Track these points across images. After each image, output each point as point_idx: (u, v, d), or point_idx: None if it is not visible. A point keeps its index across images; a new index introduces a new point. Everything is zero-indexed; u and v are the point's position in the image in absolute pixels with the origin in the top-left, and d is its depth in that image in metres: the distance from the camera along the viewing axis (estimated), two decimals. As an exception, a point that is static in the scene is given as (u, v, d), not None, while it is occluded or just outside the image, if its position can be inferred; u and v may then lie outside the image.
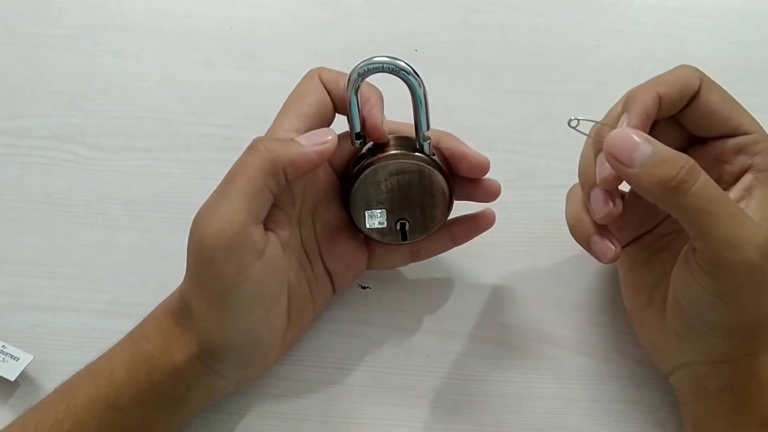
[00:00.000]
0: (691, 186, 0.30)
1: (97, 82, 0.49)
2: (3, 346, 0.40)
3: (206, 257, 0.32)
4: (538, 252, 0.44)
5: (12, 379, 0.38)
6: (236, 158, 0.46)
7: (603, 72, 0.51)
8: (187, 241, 0.34)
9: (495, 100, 0.50)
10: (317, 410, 0.40)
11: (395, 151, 0.37)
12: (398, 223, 0.38)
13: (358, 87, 0.35)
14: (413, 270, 0.43)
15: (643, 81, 0.40)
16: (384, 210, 0.38)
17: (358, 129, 0.36)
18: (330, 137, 0.35)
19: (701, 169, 0.31)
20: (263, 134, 0.48)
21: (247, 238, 0.32)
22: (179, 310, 0.35)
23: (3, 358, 0.39)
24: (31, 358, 0.39)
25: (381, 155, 0.36)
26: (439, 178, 0.37)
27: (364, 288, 0.43)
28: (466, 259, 0.43)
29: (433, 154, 0.37)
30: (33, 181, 0.46)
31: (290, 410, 0.40)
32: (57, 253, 0.44)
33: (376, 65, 0.35)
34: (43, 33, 0.51)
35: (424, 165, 0.36)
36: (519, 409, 0.39)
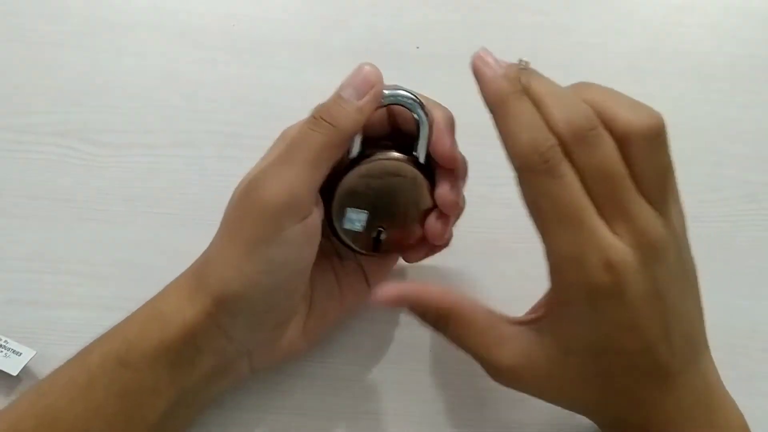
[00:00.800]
0: None
1: (100, 79, 0.49)
2: (5, 341, 0.40)
3: (248, 211, 0.33)
4: (540, 248, 0.44)
5: (14, 374, 0.38)
6: (239, 155, 0.47)
7: (605, 69, 0.51)
8: (226, 207, 0.35)
9: (497, 97, 0.50)
10: (322, 406, 0.40)
11: (395, 151, 0.35)
12: (374, 231, 0.36)
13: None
14: (415, 266, 0.43)
15: (645, 78, 0.40)
16: (366, 212, 0.35)
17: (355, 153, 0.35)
18: (375, 80, 0.34)
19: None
20: (264, 132, 0.48)
21: (300, 204, 0.32)
22: (199, 268, 0.35)
23: (5, 354, 0.39)
24: (33, 353, 0.39)
25: (379, 152, 0.35)
26: (428, 193, 0.35)
27: (366, 284, 0.43)
28: (469, 255, 0.43)
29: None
30: (35, 177, 0.46)
31: (295, 405, 0.40)
32: (59, 249, 0.44)
33: (394, 97, 0.33)
34: (46, 30, 0.51)
35: (419, 173, 0.35)
36: (524, 405, 0.39)
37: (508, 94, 0.31)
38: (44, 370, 0.40)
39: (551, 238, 0.30)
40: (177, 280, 0.36)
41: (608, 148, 0.29)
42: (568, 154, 0.30)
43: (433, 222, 0.36)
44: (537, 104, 0.30)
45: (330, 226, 0.36)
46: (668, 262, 0.30)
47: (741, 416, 0.33)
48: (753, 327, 0.44)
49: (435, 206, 0.36)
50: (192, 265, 0.36)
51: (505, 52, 0.52)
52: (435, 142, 0.35)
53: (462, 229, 0.38)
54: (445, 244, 0.38)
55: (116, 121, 0.48)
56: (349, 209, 0.35)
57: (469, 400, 0.40)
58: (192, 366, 0.34)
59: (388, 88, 0.34)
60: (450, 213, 0.36)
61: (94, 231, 0.44)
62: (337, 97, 0.34)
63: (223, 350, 0.35)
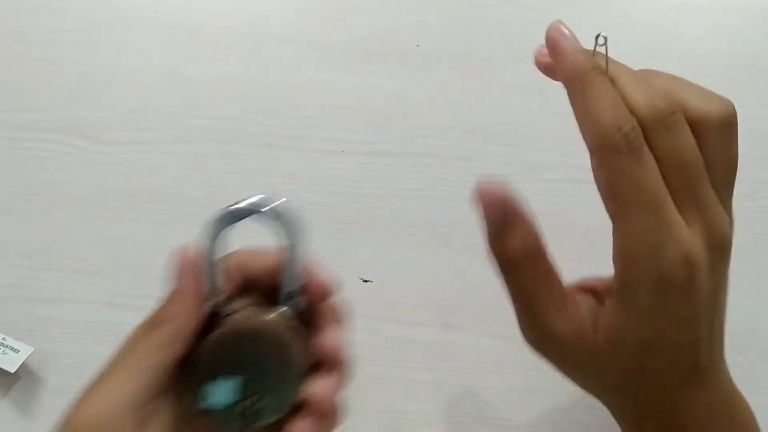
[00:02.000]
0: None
1: (100, 76, 0.49)
2: (3, 338, 0.40)
3: None
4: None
5: (12, 371, 0.38)
6: (239, 152, 0.47)
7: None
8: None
9: (497, 94, 0.50)
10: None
11: (259, 306, 0.30)
12: (241, 403, 0.30)
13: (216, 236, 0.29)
14: (415, 264, 0.43)
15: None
16: (238, 380, 0.29)
17: (211, 283, 0.30)
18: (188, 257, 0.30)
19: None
20: (266, 128, 0.49)
21: (114, 424, 0.28)
22: None
23: (3, 350, 0.39)
24: (32, 350, 0.39)
25: (236, 311, 0.30)
26: (304, 350, 0.30)
27: (366, 281, 0.43)
28: (468, 252, 0.43)
29: (299, 313, 0.30)
30: (36, 174, 0.46)
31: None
32: (58, 246, 0.44)
33: (234, 213, 0.29)
34: (46, 26, 0.50)
35: (286, 330, 0.30)
36: (523, 403, 0.39)
37: (588, 69, 0.29)
38: (42, 367, 0.40)
39: (628, 223, 0.28)
40: None
41: (687, 135, 0.29)
42: (648, 139, 0.28)
43: (315, 382, 0.30)
44: (615, 84, 0.29)
45: (198, 406, 0.30)
46: (727, 260, 0.30)
47: (753, 416, 0.33)
48: (754, 325, 0.44)
49: (315, 362, 0.31)
50: None
51: (504, 50, 0.53)
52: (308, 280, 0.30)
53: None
54: (333, 412, 0.31)
55: (116, 117, 0.48)
56: (217, 381, 0.30)
57: (469, 399, 0.40)
58: None
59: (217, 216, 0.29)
60: (335, 366, 0.31)
61: (93, 228, 0.44)
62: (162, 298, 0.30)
63: None
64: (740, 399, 0.33)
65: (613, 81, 0.29)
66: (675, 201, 0.29)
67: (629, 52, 0.52)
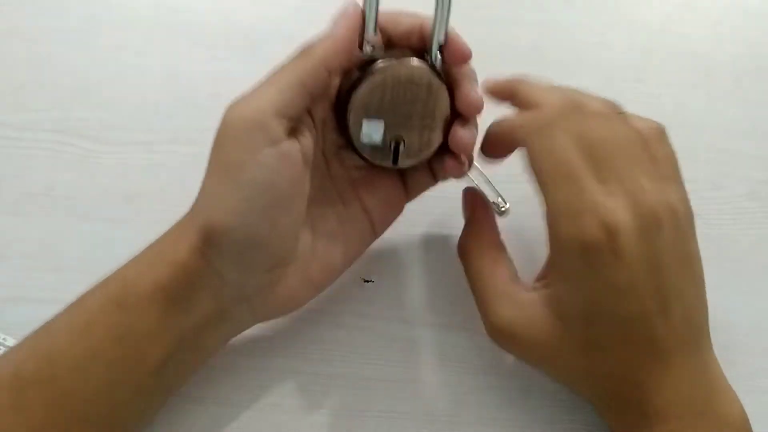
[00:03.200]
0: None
1: (100, 76, 0.49)
2: (3, 338, 0.40)
3: (222, 135, 0.33)
4: (544, 246, 0.44)
5: (14, 371, 0.38)
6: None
7: (607, 68, 0.51)
8: None
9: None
10: (321, 403, 0.40)
11: (410, 57, 0.33)
12: (392, 142, 0.34)
13: None
14: (416, 263, 0.43)
15: (646, 78, 0.40)
16: (382, 122, 0.34)
17: (371, 31, 0.33)
18: (351, 9, 0.34)
19: None
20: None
21: (265, 124, 0.32)
22: (193, 208, 0.34)
23: (4, 352, 0.39)
24: (33, 350, 0.39)
25: (393, 59, 0.33)
26: (446, 99, 0.34)
27: (367, 281, 0.43)
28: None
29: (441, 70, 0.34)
30: (35, 175, 0.46)
31: (294, 403, 0.40)
32: (59, 247, 0.44)
33: None
34: (46, 26, 0.50)
35: (435, 78, 0.34)
36: (524, 402, 0.39)
37: (512, 83, 0.37)
38: (44, 367, 0.40)
39: (547, 195, 0.32)
40: (177, 221, 0.35)
41: (597, 116, 0.34)
42: (564, 121, 0.33)
43: (458, 129, 0.35)
44: (529, 99, 0.37)
45: (349, 143, 0.35)
46: (666, 236, 0.31)
47: (742, 409, 0.33)
48: (754, 325, 0.44)
49: (454, 113, 0.35)
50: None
51: (507, 51, 0.53)
52: (450, 43, 0.35)
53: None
54: (471, 158, 0.37)
55: (116, 118, 0.48)
56: (364, 121, 0.34)
57: (470, 399, 0.40)
58: (188, 308, 0.33)
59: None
60: (473, 114, 0.36)
61: (93, 229, 0.44)
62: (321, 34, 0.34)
63: (219, 292, 0.33)
64: (726, 392, 0.33)
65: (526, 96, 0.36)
66: (598, 176, 0.31)
67: (631, 52, 0.52)
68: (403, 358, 0.41)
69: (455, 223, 0.40)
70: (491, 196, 0.42)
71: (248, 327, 0.37)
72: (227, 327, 0.35)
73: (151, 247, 0.35)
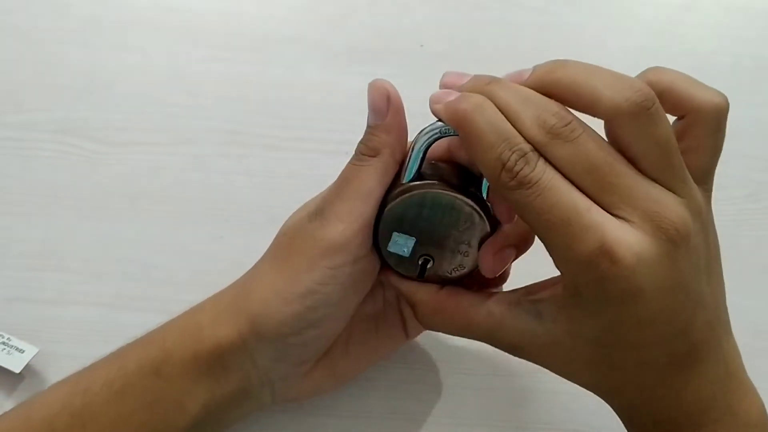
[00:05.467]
0: None
1: (102, 76, 0.49)
2: (8, 338, 0.40)
3: (301, 239, 0.33)
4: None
5: (17, 371, 0.38)
6: (241, 152, 0.47)
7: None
8: (278, 232, 0.34)
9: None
10: (323, 405, 0.40)
11: (453, 183, 0.32)
12: (421, 258, 0.34)
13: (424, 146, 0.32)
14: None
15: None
16: (413, 240, 0.33)
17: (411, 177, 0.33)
18: (387, 90, 0.32)
19: None
20: (266, 130, 0.49)
21: (355, 242, 0.32)
22: (242, 287, 0.34)
23: (8, 351, 0.39)
24: (36, 350, 0.39)
25: (436, 182, 0.32)
26: (487, 231, 0.33)
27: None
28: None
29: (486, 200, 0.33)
30: (38, 175, 0.46)
31: (296, 405, 0.40)
32: (62, 247, 0.44)
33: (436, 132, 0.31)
34: (48, 27, 0.50)
35: (478, 210, 0.32)
36: (526, 404, 0.40)
37: (464, 111, 0.28)
38: (47, 367, 0.40)
39: (548, 247, 0.28)
40: (219, 293, 0.35)
41: (586, 140, 0.27)
42: (546, 153, 0.27)
43: (489, 256, 0.33)
44: (501, 111, 0.28)
45: (375, 246, 0.34)
46: (693, 247, 0.27)
47: (761, 402, 0.32)
48: (755, 325, 0.44)
49: (490, 237, 0.33)
50: (235, 282, 0.35)
51: (508, 51, 0.53)
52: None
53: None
54: (505, 276, 0.36)
55: (118, 118, 0.48)
56: (394, 234, 0.33)
57: (471, 399, 0.40)
58: (218, 384, 0.34)
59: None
60: (515, 246, 0.33)
61: (96, 229, 0.44)
62: (367, 128, 0.33)
63: (248, 374, 0.34)
64: (742, 385, 0.32)
65: (503, 110, 0.28)
66: (601, 203, 0.27)
67: (632, 53, 0.52)
68: (401, 358, 0.41)
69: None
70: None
71: (265, 409, 0.37)
72: (248, 405, 0.36)
73: (194, 314, 0.35)
